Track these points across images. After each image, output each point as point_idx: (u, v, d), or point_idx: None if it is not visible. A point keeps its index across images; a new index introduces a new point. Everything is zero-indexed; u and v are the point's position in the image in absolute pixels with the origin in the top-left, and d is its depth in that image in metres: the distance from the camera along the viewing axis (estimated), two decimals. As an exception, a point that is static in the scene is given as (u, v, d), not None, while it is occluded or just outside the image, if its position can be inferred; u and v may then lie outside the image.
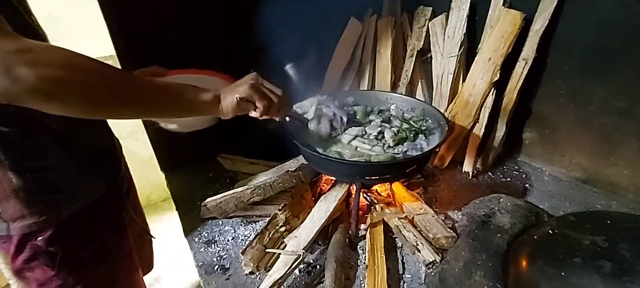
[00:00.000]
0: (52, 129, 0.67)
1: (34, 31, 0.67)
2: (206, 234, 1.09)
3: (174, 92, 0.65)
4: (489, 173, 1.34)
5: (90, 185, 0.77)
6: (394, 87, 1.53)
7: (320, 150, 0.95)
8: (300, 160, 1.17)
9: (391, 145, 0.97)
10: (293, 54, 1.18)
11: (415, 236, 0.95)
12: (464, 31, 1.33)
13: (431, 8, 1.46)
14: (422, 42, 1.47)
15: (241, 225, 1.11)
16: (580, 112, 1.20)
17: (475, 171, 1.33)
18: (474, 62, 1.31)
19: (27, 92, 0.47)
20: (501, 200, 0.95)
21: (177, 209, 1.20)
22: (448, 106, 1.38)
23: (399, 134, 1.00)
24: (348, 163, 0.89)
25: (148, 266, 1.14)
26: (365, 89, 1.55)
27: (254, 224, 1.12)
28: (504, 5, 1.25)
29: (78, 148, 0.73)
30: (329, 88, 1.55)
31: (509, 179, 1.30)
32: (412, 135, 1.01)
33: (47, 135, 0.66)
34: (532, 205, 0.94)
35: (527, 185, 1.26)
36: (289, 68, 1.16)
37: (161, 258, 1.26)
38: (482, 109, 1.29)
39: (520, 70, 1.23)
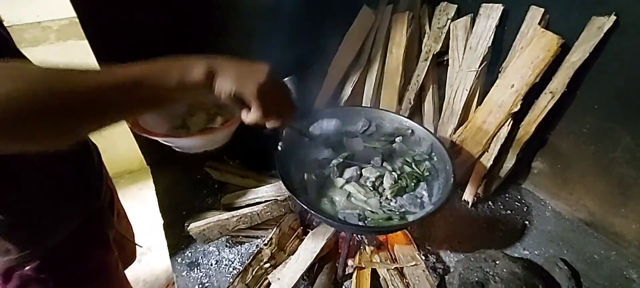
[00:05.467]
0: (25, 160, 0.62)
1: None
2: (190, 254, 1.06)
3: (148, 78, 0.46)
4: (489, 202, 1.27)
5: (72, 212, 0.75)
6: (402, 90, 1.39)
7: (309, 200, 0.88)
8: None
9: (389, 197, 0.89)
10: (294, 60, 1.03)
11: (402, 289, 0.92)
12: (490, 44, 1.17)
13: (456, 6, 1.27)
14: (440, 45, 1.30)
15: (226, 246, 1.08)
16: (600, 156, 1.10)
17: (475, 198, 1.26)
18: (494, 85, 1.16)
19: None
20: (498, 264, 0.90)
21: (162, 217, 1.16)
22: (457, 127, 1.26)
23: (399, 182, 0.91)
24: (339, 222, 0.82)
25: (132, 258, 1.14)
26: (372, 86, 1.41)
27: (239, 247, 1.08)
28: (540, 23, 1.08)
29: (55, 179, 0.69)
30: (330, 85, 1.41)
31: (509, 212, 1.24)
32: (412, 183, 0.92)
33: (21, 166, 0.62)
34: (529, 274, 0.89)
35: (526, 222, 1.20)
36: (288, 81, 1.03)
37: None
38: (495, 138, 1.18)
39: (545, 104, 1.10)
